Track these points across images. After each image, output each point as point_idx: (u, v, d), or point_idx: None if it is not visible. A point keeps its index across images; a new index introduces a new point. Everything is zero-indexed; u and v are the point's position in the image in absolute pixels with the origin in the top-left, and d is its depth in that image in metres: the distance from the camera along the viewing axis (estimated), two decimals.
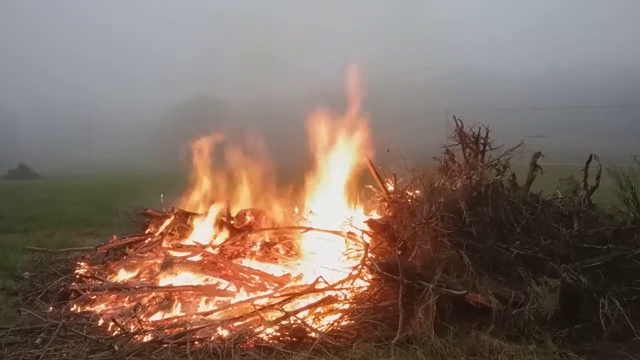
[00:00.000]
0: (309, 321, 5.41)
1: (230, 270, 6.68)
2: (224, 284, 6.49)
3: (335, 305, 5.65)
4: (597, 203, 6.78)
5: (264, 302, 5.81)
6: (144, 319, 5.70)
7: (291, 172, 8.95)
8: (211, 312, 5.80)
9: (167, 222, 8.38)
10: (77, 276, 7.24)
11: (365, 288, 5.85)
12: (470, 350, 4.75)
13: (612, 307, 5.06)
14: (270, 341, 5.15)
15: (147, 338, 5.23)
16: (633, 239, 5.92)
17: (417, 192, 6.53)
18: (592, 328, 5.03)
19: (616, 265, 5.58)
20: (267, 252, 7.37)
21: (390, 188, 6.95)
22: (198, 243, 7.57)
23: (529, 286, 5.26)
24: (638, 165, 6.39)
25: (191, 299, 6.23)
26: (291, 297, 5.77)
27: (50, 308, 6.26)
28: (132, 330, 5.37)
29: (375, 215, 7.16)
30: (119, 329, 5.39)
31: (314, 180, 8.25)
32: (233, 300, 6.14)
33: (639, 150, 6.57)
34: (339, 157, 8.03)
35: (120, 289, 6.56)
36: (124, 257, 7.74)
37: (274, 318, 5.42)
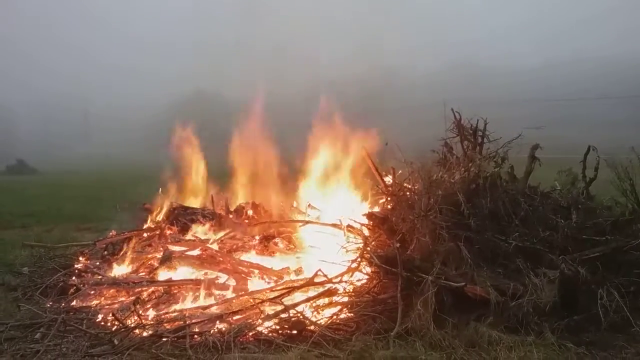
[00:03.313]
0: (308, 314, 5.42)
1: (229, 264, 6.68)
2: (223, 278, 6.49)
3: (335, 298, 5.66)
4: (595, 194, 6.79)
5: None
6: (143, 313, 5.71)
7: (290, 166, 8.95)
8: (210, 306, 5.80)
9: (161, 214, 8.40)
10: (76, 271, 7.24)
11: (365, 281, 5.86)
12: (469, 341, 4.77)
13: (611, 298, 5.08)
14: (270, 334, 5.16)
15: (147, 332, 5.24)
16: (631, 230, 5.94)
17: (415, 185, 6.52)
18: (591, 319, 5.05)
19: (614, 256, 5.59)
20: (267, 245, 7.37)
21: (389, 181, 6.94)
22: (197, 237, 7.57)
23: (528, 278, 5.26)
24: (636, 156, 6.39)
25: (190, 293, 6.23)
26: (290, 290, 5.78)
27: (50, 303, 6.27)
28: (131, 325, 5.37)
29: (374, 208, 7.15)
30: (118, 323, 5.39)
31: (313, 174, 8.25)
32: (232, 294, 6.13)
33: (637, 141, 6.57)
34: (338, 151, 8.03)
35: (120, 283, 6.55)
36: (123, 252, 7.73)
37: (273, 311, 5.43)
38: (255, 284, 6.34)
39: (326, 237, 6.90)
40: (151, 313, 5.83)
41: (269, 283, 6.32)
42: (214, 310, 5.70)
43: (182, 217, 8.43)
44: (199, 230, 7.82)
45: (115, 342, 4.99)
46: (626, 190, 6.35)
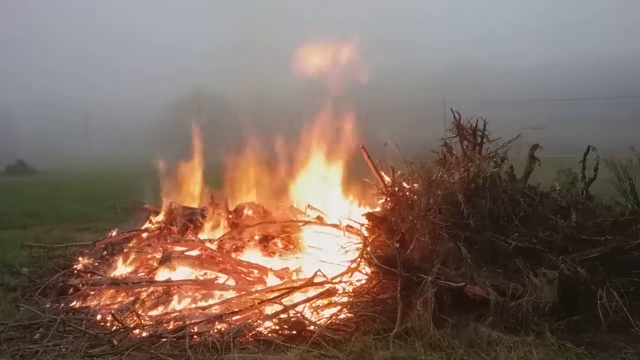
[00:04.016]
0: (308, 314, 5.42)
1: (228, 264, 6.67)
2: (222, 278, 6.49)
3: (334, 298, 5.66)
4: (595, 195, 6.78)
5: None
6: (142, 314, 5.70)
7: (289, 165, 8.94)
8: (210, 307, 5.80)
9: (160, 215, 8.40)
10: (76, 271, 7.23)
11: (364, 281, 5.85)
12: (469, 342, 4.77)
13: (610, 298, 5.08)
14: (269, 334, 5.16)
15: (146, 332, 5.24)
16: (631, 230, 5.92)
17: (415, 185, 6.52)
18: (591, 319, 5.05)
19: (614, 256, 5.58)
20: (266, 246, 7.36)
21: (388, 180, 6.94)
22: (196, 237, 7.56)
23: (527, 278, 5.26)
24: (636, 156, 6.38)
25: (190, 293, 6.23)
26: (290, 290, 5.77)
27: (49, 303, 6.26)
28: (130, 325, 5.37)
29: (373, 209, 7.15)
30: (117, 323, 5.39)
31: (312, 174, 8.25)
32: (231, 294, 6.12)
33: (637, 141, 6.55)
34: (336, 150, 8.03)
35: (119, 283, 6.54)
36: (122, 252, 7.72)
37: (272, 312, 5.42)
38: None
39: (326, 238, 6.90)
40: (150, 313, 5.83)
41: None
42: (214, 310, 5.70)
43: (182, 217, 8.42)
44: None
45: (115, 342, 4.99)
46: (626, 190, 6.34)
